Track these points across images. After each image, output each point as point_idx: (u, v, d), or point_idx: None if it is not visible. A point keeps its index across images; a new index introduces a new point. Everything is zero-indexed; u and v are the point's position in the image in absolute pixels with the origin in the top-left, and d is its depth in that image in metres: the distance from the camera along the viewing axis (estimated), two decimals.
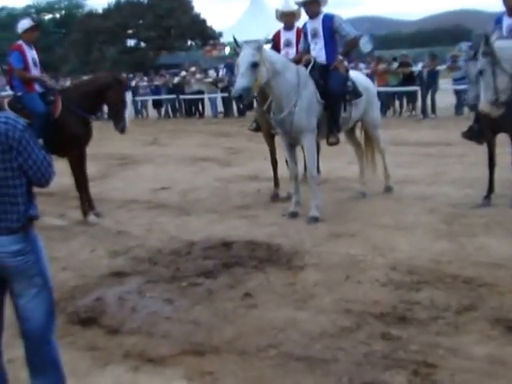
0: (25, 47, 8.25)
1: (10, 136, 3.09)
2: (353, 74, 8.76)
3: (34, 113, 8.01)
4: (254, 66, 7.21)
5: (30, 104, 8.11)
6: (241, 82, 7.24)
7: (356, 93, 8.30)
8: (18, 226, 3.20)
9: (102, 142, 8.50)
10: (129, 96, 8.67)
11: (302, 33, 8.48)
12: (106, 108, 9.11)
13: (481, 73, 6.81)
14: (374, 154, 9.21)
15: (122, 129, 8.39)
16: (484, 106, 6.85)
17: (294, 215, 7.95)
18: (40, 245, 3.36)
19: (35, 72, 8.38)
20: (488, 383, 3.83)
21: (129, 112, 8.56)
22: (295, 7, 8.71)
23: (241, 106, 21.56)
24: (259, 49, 7.28)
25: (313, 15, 8.17)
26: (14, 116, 3.20)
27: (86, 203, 8.45)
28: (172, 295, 5.56)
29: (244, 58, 7.25)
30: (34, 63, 8.39)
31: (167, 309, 5.29)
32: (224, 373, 4.14)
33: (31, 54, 8.36)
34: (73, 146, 8.20)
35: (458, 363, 4.05)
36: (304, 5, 8.28)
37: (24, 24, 8.47)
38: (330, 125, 8.00)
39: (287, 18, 8.92)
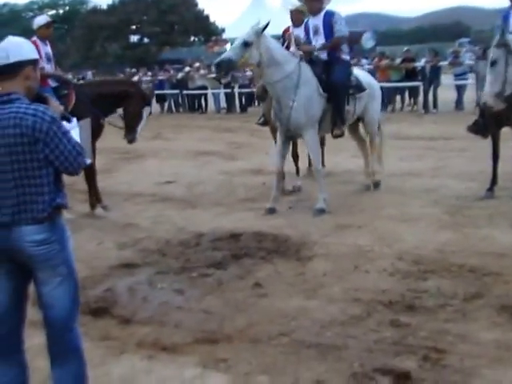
0: (39, 43, 8.20)
1: (36, 128, 3.13)
2: (356, 70, 8.80)
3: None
4: (246, 44, 7.30)
5: None
6: (226, 53, 7.46)
7: (360, 87, 8.34)
8: (44, 216, 3.23)
9: (106, 135, 8.54)
10: (148, 110, 8.54)
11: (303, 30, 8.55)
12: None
13: (492, 64, 6.91)
14: (381, 147, 9.20)
15: (130, 140, 8.54)
16: (488, 97, 6.93)
17: (271, 211, 7.90)
18: (67, 234, 3.39)
19: (48, 67, 8.37)
20: (495, 367, 3.91)
21: (143, 125, 8.55)
22: (301, 4, 8.80)
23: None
24: (256, 31, 7.33)
25: (314, 12, 8.13)
26: (43, 108, 3.22)
27: (94, 196, 8.51)
28: (182, 286, 5.63)
29: (240, 36, 7.41)
30: (48, 59, 8.40)
31: (178, 299, 5.35)
32: (237, 360, 4.21)
33: (45, 50, 8.36)
34: None
35: (467, 349, 4.14)
36: (306, 1, 8.33)
37: (39, 20, 8.52)
38: (335, 117, 8.03)
39: (295, 15, 8.98)
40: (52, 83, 8.39)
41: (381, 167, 9.17)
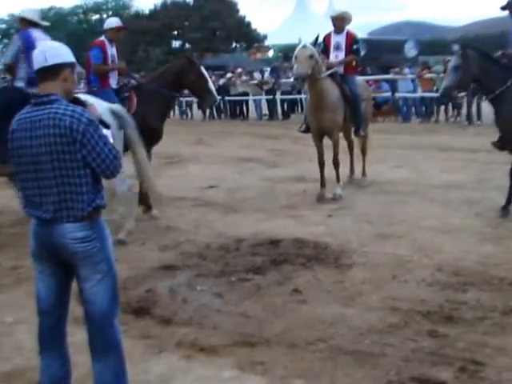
0: (106, 44, 8.33)
1: (74, 129, 3.24)
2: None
3: None
4: None
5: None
6: None
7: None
8: (83, 215, 3.35)
9: None
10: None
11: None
12: None
13: None
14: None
15: (213, 100, 8.57)
16: None
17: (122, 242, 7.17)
18: (106, 232, 3.50)
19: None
20: None
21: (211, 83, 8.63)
22: (345, 11, 8.93)
23: None
24: None
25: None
26: (80, 109, 3.34)
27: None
28: (221, 289, 5.70)
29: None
30: (113, 61, 8.46)
31: (217, 302, 5.43)
32: (274, 364, 4.26)
33: (111, 52, 8.42)
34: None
35: (506, 362, 4.11)
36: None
37: (111, 22, 8.63)
38: None
39: (337, 22, 9.04)
40: (114, 85, 8.42)
41: None
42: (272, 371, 4.17)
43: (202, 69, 8.40)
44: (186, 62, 8.43)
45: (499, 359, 4.16)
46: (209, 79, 8.45)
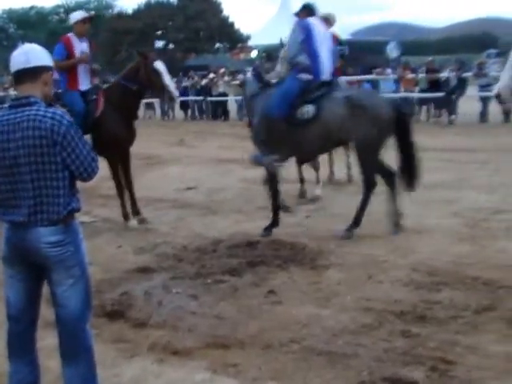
0: (73, 39, 7.97)
1: (55, 131, 3.23)
2: None
3: (73, 111, 7.60)
4: None
5: (68, 102, 7.84)
6: None
7: None
8: (59, 218, 3.32)
9: None
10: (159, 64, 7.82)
11: None
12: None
13: None
14: None
15: (169, 97, 8.01)
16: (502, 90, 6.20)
17: None
18: (80, 237, 3.48)
19: (82, 66, 8.04)
20: (503, 379, 3.93)
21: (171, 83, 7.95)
22: (328, 12, 8.88)
23: None
24: None
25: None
26: (61, 112, 3.33)
27: (126, 207, 8.23)
28: (197, 291, 5.69)
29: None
30: None
31: (192, 304, 5.42)
32: (247, 365, 4.26)
33: (81, 47, 8.01)
34: (112, 147, 7.88)
35: (476, 361, 4.14)
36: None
37: (75, 15, 8.22)
38: None
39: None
40: (83, 87, 8.05)
41: None
42: (244, 373, 4.18)
43: (157, 64, 7.82)
44: (141, 59, 7.93)
45: (469, 358, 4.18)
46: (165, 75, 7.84)
